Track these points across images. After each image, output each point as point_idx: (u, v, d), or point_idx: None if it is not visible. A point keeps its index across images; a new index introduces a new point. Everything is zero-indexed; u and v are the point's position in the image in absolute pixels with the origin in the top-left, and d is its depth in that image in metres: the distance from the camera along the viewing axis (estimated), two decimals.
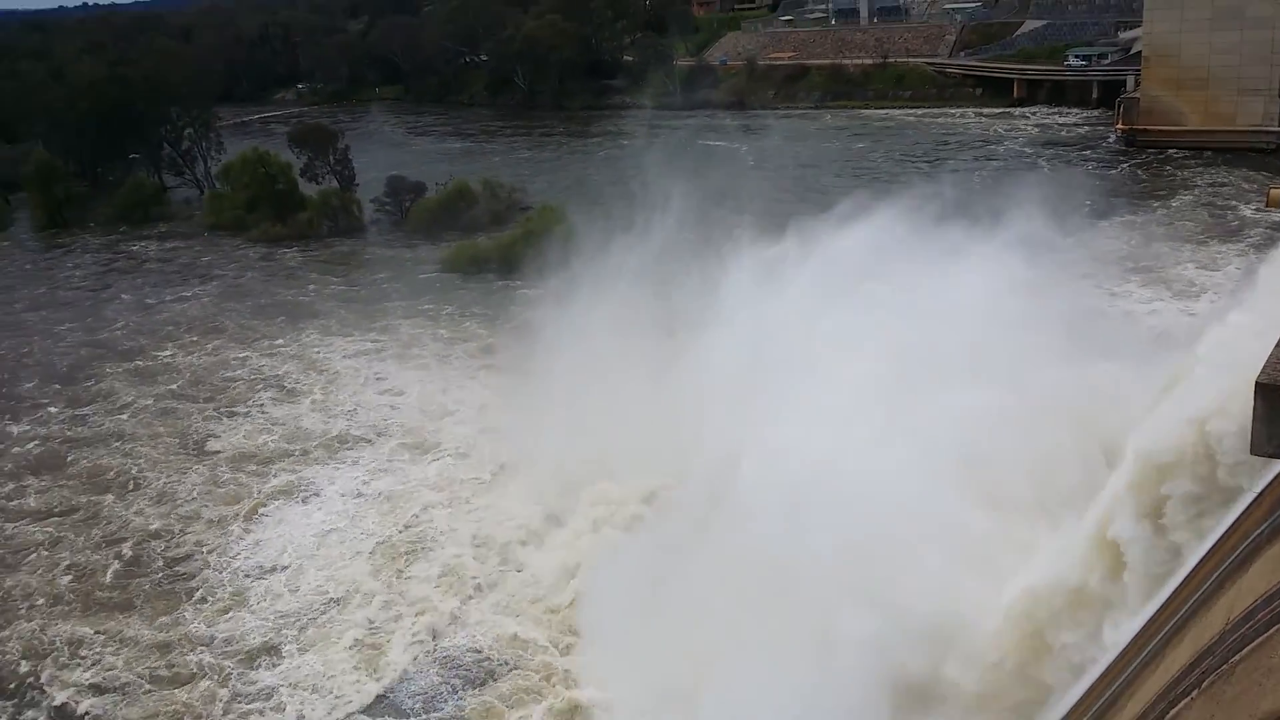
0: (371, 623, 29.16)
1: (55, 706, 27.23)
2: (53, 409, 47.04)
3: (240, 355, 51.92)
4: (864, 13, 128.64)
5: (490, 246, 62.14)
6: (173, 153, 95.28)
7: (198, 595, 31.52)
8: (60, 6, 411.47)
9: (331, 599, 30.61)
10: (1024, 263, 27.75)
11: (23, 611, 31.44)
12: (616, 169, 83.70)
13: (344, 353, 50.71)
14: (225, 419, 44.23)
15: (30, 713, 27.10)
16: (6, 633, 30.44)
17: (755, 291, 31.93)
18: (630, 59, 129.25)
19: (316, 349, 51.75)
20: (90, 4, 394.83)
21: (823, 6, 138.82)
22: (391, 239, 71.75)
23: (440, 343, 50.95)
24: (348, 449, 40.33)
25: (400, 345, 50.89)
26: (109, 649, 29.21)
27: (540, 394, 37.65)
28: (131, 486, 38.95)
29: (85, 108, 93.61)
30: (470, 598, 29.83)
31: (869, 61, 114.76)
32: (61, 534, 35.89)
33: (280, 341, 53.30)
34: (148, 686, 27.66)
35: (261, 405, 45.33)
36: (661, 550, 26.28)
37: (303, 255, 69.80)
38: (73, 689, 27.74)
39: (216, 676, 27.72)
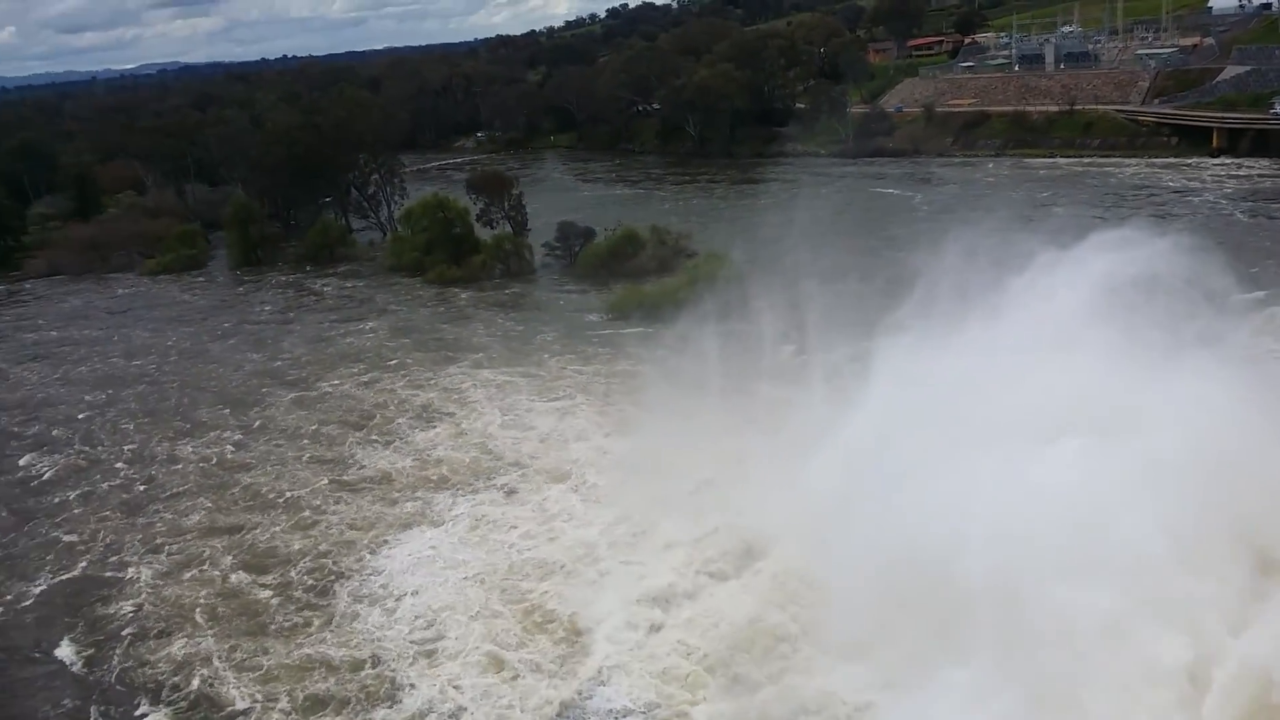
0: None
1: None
2: (224, 432, 51.58)
3: (396, 386, 55.67)
4: (1050, 59, 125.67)
5: (654, 292, 63.70)
6: (359, 197, 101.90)
7: (338, 615, 33.75)
8: (262, 59, 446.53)
9: (454, 621, 32.37)
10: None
11: (181, 623, 34.39)
12: (784, 216, 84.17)
13: (494, 387, 53.49)
14: (373, 446, 47.58)
15: None
16: (167, 642, 33.27)
17: (928, 352, 30.73)
18: (802, 106, 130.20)
19: (468, 383, 54.77)
20: (289, 56, 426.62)
21: (1005, 53, 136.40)
22: (559, 283, 74.58)
23: (588, 381, 53.01)
24: (484, 479, 42.75)
25: (548, 382, 53.36)
26: (249, 662, 31.54)
27: (684, 443, 39.35)
28: (282, 507, 42.27)
29: (281, 153, 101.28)
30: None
31: (1054, 108, 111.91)
32: (218, 550, 39.16)
33: (435, 375, 56.77)
34: (299, 700, 29.71)
35: (407, 434, 48.63)
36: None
37: (473, 296, 73.42)
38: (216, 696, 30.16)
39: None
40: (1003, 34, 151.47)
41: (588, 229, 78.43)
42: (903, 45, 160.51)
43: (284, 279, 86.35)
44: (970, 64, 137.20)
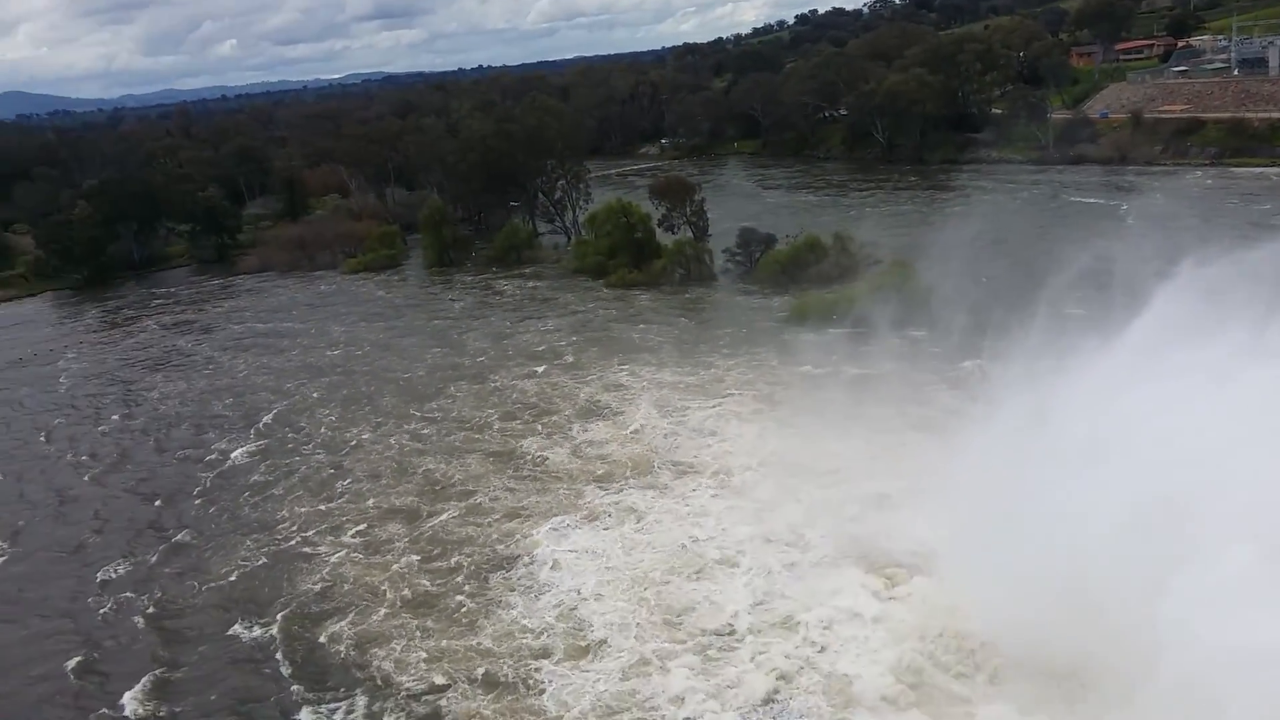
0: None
1: (392, 693, 30.95)
2: (405, 422, 54.23)
3: (567, 382, 57.31)
4: (1274, 62, 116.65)
5: (834, 299, 62.80)
6: (546, 201, 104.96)
7: (500, 602, 34.94)
8: (459, 69, 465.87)
9: (602, 616, 32.99)
10: None
11: (362, 603, 36.12)
12: (976, 225, 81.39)
13: (662, 385, 54.45)
14: (540, 439, 49.31)
15: (363, 697, 30.81)
16: (350, 621, 34.94)
17: (1127, 378, 28.43)
18: (999, 111, 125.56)
19: (637, 381, 55.94)
20: (484, 66, 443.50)
21: (1224, 56, 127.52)
22: (738, 288, 74.57)
23: (756, 383, 53.29)
24: (643, 475, 43.68)
25: (715, 383, 54.00)
26: (423, 644, 32.71)
27: (847, 449, 39.65)
28: (455, 495, 44.29)
29: (474, 159, 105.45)
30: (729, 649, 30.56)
31: (1278, 115, 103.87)
32: (396, 533, 41.15)
33: (605, 372, 58.09)
34: (464, 685, 30.68)
35: (573, 428, 50.13)
36: None
37: (652, 299, 74.32)
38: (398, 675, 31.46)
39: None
40: (1220, 36, 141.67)
41: (769, 235, 78.10)
42: (1109, 49, 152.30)
43: (471, 279, 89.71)
44: (1183, 68, 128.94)
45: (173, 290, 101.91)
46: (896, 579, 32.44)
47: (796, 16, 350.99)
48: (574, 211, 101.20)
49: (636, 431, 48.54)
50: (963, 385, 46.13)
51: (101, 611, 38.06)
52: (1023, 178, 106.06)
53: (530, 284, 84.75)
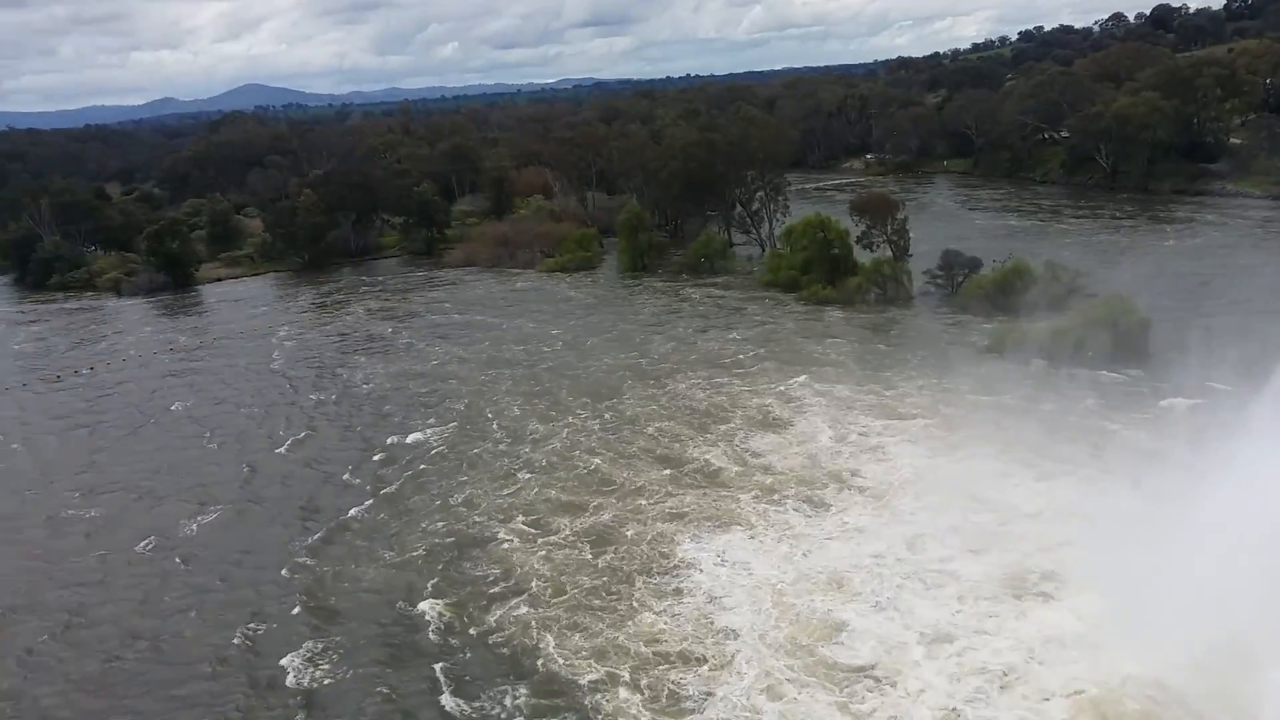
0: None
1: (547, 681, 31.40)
2: (583, 419, 55.46)
3: (743, 392, 57.36)
4: None
5: (1040, 330, 59.77)
6: (743, 212, 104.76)
7: (653, 602, 35.16)
8: (667, 77, 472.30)
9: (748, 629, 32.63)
10: None
11: (530, 591, 36.79)
12: (1206, 262, 76.70)
13: (839, 403, 53.82)
14: (708, 445, 49.64)
15: (520, 686, 31.25)
16: (518, 609, 35.55)
17: None
18: (1238, 142, 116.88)
19: (814, 396, 55.35)
20: (691, 75, 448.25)
21: None
22: (936, 312, 72.14)
23: (938, 407, 51.88)
24: (805, 489, 43.42)
25: (895, 405, 52.92)
26: (575, 636, 32.92)
27: (1021, 479, 38.87)
28: (620, 493, 45.11)
29: (675, 167, 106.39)
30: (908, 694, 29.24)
31: None
32: (564, 526, 42.15)
33: (783, 385, 57.79)
34: (612, 684, 30.58)
35: (743, 437, 50.30)
36: None
37: (843, 317, 72.86)
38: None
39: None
40: None
41: (973, 259, 75.20)
42: None
43: (662, 285, 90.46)
44: None
45: (381, 279, 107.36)
46: (1053, 631, 30.93)
47: (1020, 33, 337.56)
48: (770, 224, 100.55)
49: (804, 445, 48.53)
50: (1169, 429, 43.30)
51: (278, 577, 40.19)
52: (1258, 213, 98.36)
53: (720, 293, 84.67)
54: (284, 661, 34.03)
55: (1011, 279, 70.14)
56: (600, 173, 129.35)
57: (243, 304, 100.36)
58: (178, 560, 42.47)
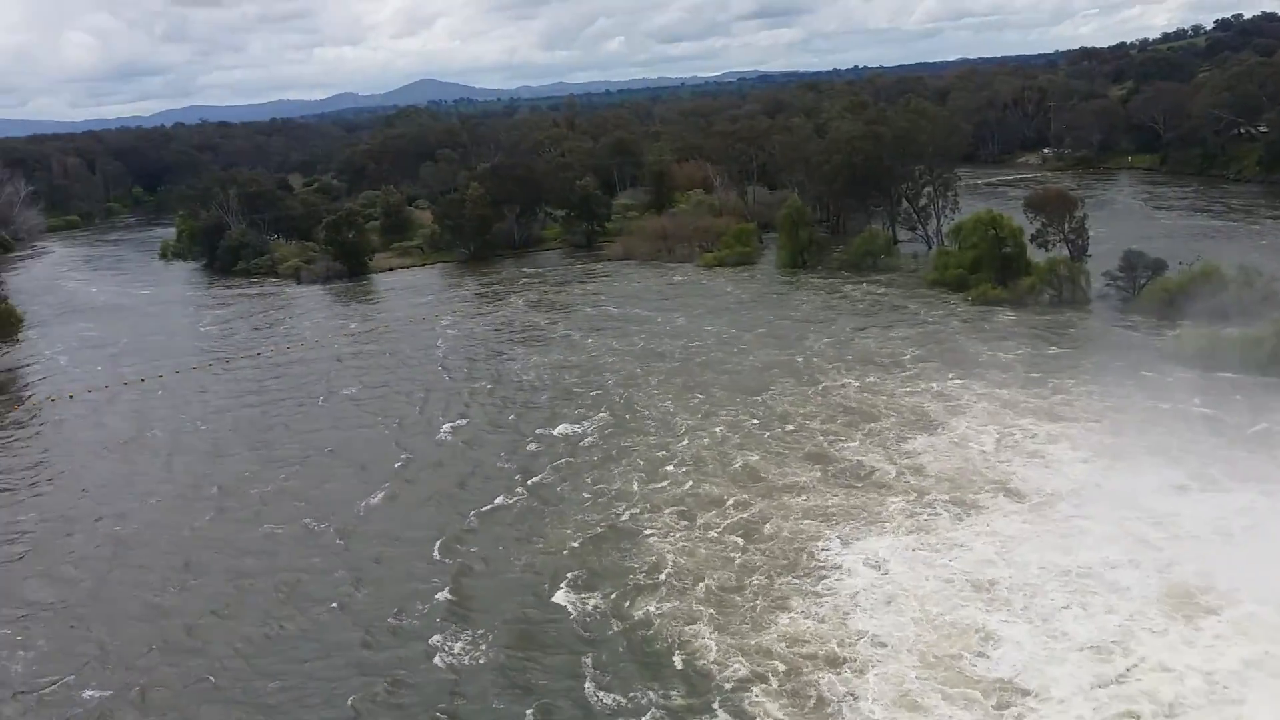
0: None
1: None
2: (733, 414, 55.35)
3: (899, 392, 56.21)
4: None
5: (1231, 339, 55.87)
6: (910, 208, 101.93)
7: (797, 601, 34.72)
8: (834, 69, 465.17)
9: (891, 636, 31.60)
10: None
11: (674, 586, 36.67)
12: None
13: (1001, 406, 52.02)
14: (860, 445, 49.04)
15: (664, 682, 31.01)
16: (666, 599, 35.36)
17: None
18: None
19: (976, 399, 53.60)
20: (859, 67, 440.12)
21: None
22: (1116, 316, 68.45)
23: (1107, 414, 49.62)
24: (957, 492, 42.31)
25: (1060, 410, 50.84)
26: (717, 632, 32.47)
27: (1186, 492, 37.24)
28: (767, 489, 44.86)
29: (839, 161, 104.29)
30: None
31: None
32: (712, 521, 42.20)
33: (942, 386, 56.26)
34: (753, 683, 30.16)
35: (896, 438, 49.36)
36: None
37: (1013, 318, 69.91)
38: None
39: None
40: None
41: (1158, 260, 70.91)
42: None
43: (821, 281, 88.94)
44: None
45: (541, 271, 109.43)
46: (1221, 658, 29.09)
47: (1216, 21, 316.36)
48: (938, 220, 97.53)
49: (959, 447, 47.34)
50: None
51: (430, 559, 41.25)
52: None
53: (881, 292, 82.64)
54: (433, 640, 34.96)
55: (1199, 283, 65.73)
56: (762, 167, 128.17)
57: (410, 293, 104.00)
58: (337, 539, 44.17)
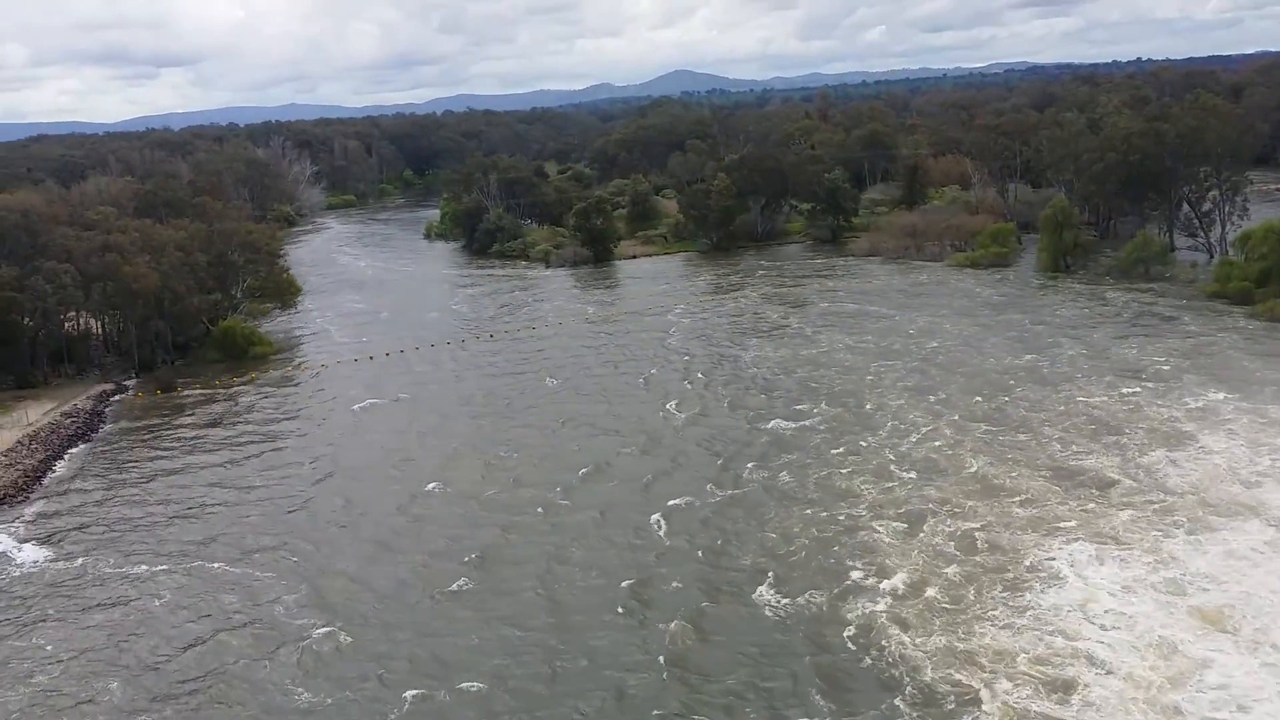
0: None
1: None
2: (964, 419, 53.83)
3: (1150, 404, 53.37)
4: None
5: None
6: (1191, 213, 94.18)
7: (1010, 613, 33.31)
8: (1114, 61, 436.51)
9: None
10: None
11: (892, 590, 35.42)
12: None
13: (1264, 425, 48.93)
14: (1102, 457, 46.94)
15: (887, 693, 30.07)
16: (883, 603, 34.33)
17: None
18: None
19: (1233, 414, 50.69)
20: (1142, 59, 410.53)
21: None
22: None
23: None
24: (1204, 512, 40.09)
25: None
26: (934, 638, 31.21)
27: None
28: (997, 497, 43.59)
29: (1113, 159, 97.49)
30: None
31: None
32: (938, 525, 41.10)
33: (1199, 400, 53.30)
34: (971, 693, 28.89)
35: (1142, 453, 46.85)
36: None
37: None
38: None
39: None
40: None
41: None
42: None
43: (1083, 287, 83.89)
44: None
45: (780, 264, 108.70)
46: None
47: None
48: (1223, 227, 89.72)
49: (1207, 464, 44.67)
50: None
51: (660, 547, 41.71)
52: None
53: (1149, 301, 77.03)
54: (662, 626, 35.40)
55: None
56: (1025, 163, 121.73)
57: (650, 280, 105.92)
58: (575, 515, 45.26)
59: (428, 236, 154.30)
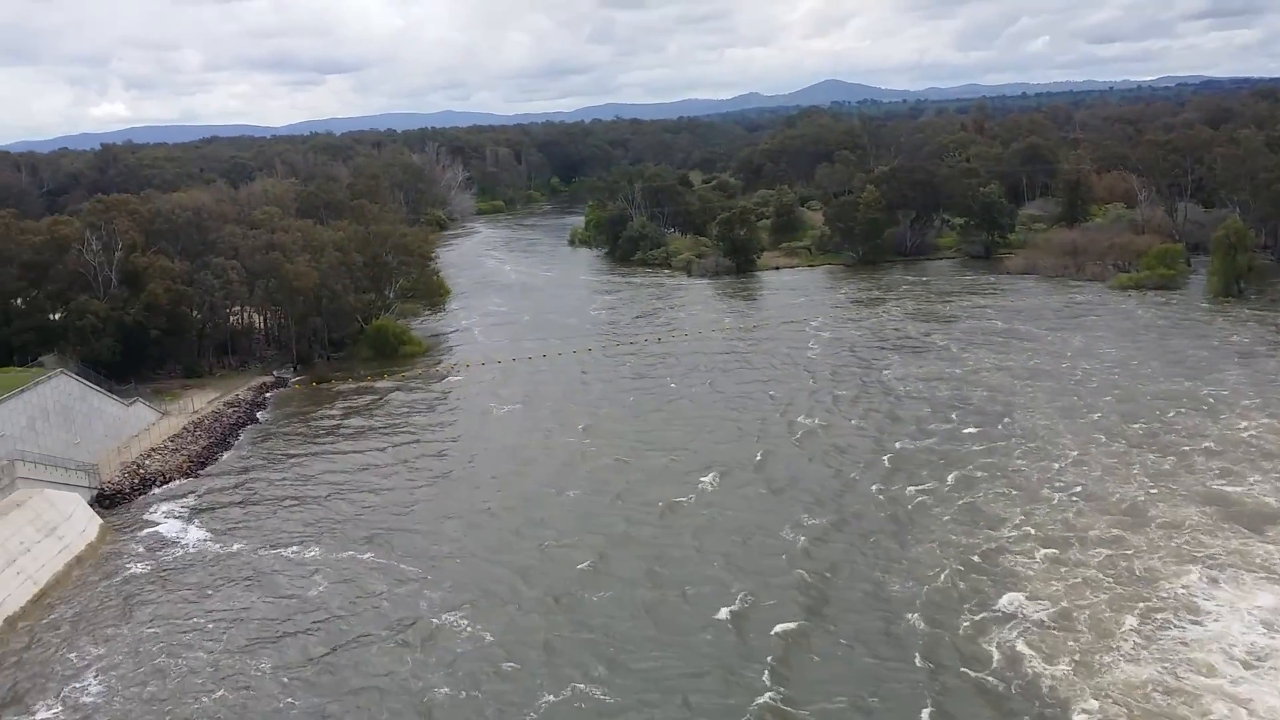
0: None
1: None
2: (1116, 444, 52.22)
3: None
4: None
5: None
6: None
7: (1168, 654, 31.12)
8: None
9: None
10: None
11: (1030, 623, 34.29)
12: None
13: None
14: (1262, 483, 45.57)
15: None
16: (1017, 635, 33.44)
17: None
18: None
19: None
20: None
21: None
22: None
23: None
24: None
25: None
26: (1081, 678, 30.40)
27: None
28: (1151, 527, 42.10)
29: None
30: None
31: None
32: (1081, 557, 39.17)
33: None
34: None
35: None
36: None
37: None
38: None
39: None
40: None
41: None
42: None
43: (1253, 314, 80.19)
44: None
45: (927, 279, 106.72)
46: None
47: None
48: None
49: None
50: None
51: (777, 559, 41.66)
52: None
53: None
54: (773, 630, 35.69)
55: None
56: (1197, 182, 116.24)
57: (791, 293, 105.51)
58: (688, 535, 45.24)
59: (571, 243, 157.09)
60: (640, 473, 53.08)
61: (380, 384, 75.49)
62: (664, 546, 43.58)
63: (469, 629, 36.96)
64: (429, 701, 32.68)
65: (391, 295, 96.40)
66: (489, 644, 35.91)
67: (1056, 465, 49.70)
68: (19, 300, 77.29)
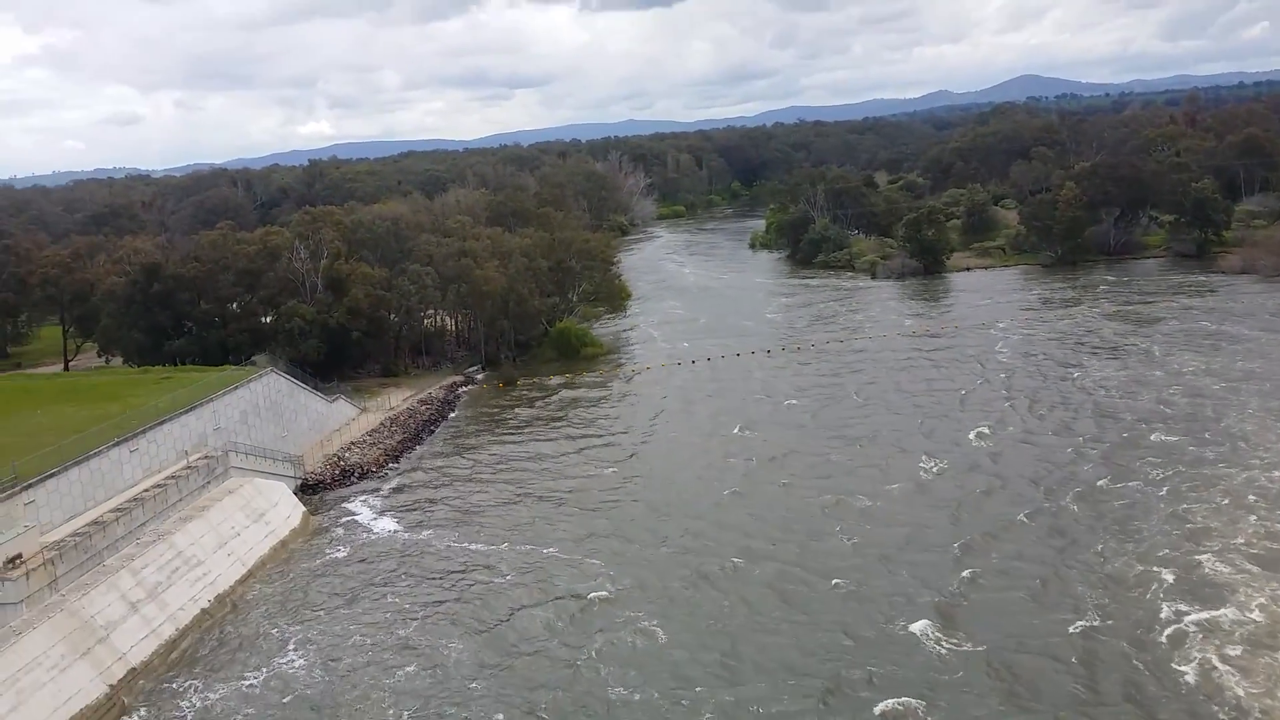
0: None
1: None
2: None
3: None
4: None
5: None
6: None
7: None
8: None
9: None
10: None
11: (1235, 639, 32.70)
12: None
13: None
14: None
15: None
16: (1218, 652, 31.85)
17: None
18: None
19: None
20: None
21: None
22: None
23: None
24: None
25: None
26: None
27: None
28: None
29: None
30: None
31: None
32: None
33: None
34: None
35: None
36: None
37: None
38: None
39: None
40: None
41: None
42: None
43: None
44: None
45: (1130, 280, 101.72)
46: None
47: None
48: None
49: None
50: None
51: (938, 565, 40.99)
52: None
53: None
54: (914, 628, 35.52)
55: None
56: None
57: (982, 294, 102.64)
58: (849, 540, 44.52)
59: (752, 246, 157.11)
60: (819, 481, 52.53)
61: (563, 384, 77.62)
62: (863, 546, 43.48)
63: (650, 636, 37.66)
64: (603, 699, 33.36)
65: (575, 299, 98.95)
66: (664, 643, 36.69)
67: (1269, 475, 46.79)
68: (234, 305, 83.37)
